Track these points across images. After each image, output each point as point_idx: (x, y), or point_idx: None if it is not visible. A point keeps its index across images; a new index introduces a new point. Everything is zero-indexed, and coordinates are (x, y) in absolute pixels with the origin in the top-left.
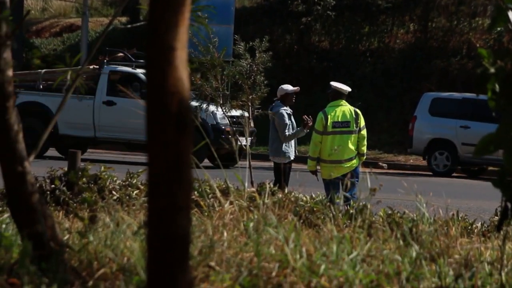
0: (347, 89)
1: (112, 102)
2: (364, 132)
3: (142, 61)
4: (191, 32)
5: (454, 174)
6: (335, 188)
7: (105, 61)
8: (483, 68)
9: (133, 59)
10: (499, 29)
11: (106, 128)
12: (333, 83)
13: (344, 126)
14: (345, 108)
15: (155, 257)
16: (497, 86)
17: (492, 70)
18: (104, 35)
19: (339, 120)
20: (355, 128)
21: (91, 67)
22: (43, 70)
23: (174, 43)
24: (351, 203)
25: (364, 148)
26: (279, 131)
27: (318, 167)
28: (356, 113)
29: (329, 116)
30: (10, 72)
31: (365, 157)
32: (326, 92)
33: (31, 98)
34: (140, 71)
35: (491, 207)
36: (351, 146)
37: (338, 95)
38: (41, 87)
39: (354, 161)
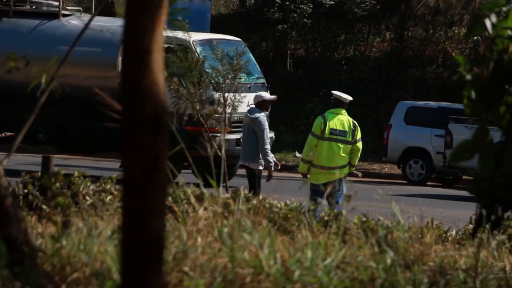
0: (348, 98)
1: None
2: (359, 144)
3: None
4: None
5: (429, 183)
6: (319, 194)
7: None
8: (460, 75)
9: None
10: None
11: None
12: (335, 92)
13: (341, 135)
14: (344, 118)
15: (129, 259)
16: (473, 93)
17: (469, 77)
18: (80, 39)
19: (337, 128)
20: (351, 139)
21: None
22: None
23: (150, 46)
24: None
25: (357, 160)
26: (259, 136)
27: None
28: (354, 125)
29: (328, 122)
30: None
31: (354, 168)
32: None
33: None
34: None
35: (465, 215)
36: (344, 155)
37: (339, 103)
38: None
39: (345, 169)
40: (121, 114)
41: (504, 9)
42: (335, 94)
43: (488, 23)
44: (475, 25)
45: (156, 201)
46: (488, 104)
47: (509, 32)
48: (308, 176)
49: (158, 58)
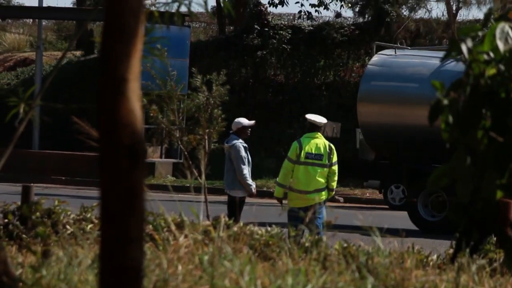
0: (322, 121)
1: None
2: (335, 167)
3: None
4: (149, 64)
5: None
6: (298, 220)
7: None
8: (437, 99)
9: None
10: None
11: None
12: (308, 116)
13: (317, 159)
14: (320, 141)
15: None
16: (450, 117)
17: (445, 102)
18: (57, 69)
19: (313, 152)
20: (327, 162)
21: None
22: None
23: (126, 74)
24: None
25: (334, 184)
26: (235, 163)
27: (285, 201)
28: (330, 148)
29: (303, 147)
30: None
31: (334, 192)
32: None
33: None
34: None
35: (448, 240)
36: (320, 179)
37: (313, 127)
38: None
39: (323, 193)
40: (97, 142)
41: (480, 33)
42: (308, 119)
43: (464, 48)
44: (451, 50)
45: (134, 229)
46: (465, 128)
47: (485, 56)
48: (285, 201)
49: (134, 86)
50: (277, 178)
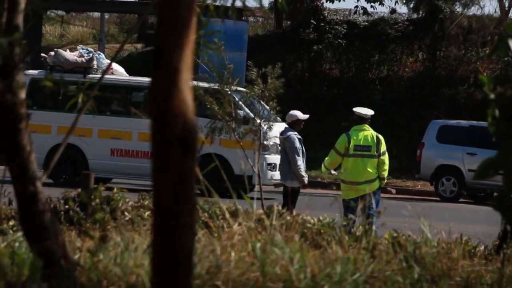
0: (369, 112)
1: None
2: (384, 157)
3: None
4: (206, 58)
5: (461, 200)
6: (351, 211)
7: None
8: (484, 94)
9: None
10: (506, 59)
11: None
12: (355, 109)
13: (365, 150)
14: (368, 133)
15: (159, 275)
16: (497, 111)
17: (492, 96)
18: (115, 59)
19: (361, 143)
20: (375, 153)
21: None
22: None
23: (178, 65)
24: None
25: (385, 173)
26: (289, 155)
27: (334, 171)
28: (378, 138)
29: (352, 139)
30: (22, 94)
31: (385, 181)
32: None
33: None
34: None
35: (496, 232)
36: (371, 170)
37: (361, 119)
38: None
39: (374, 183)
40: (150, 132)
41: None
42: (356, 111)
43: (511, 43)
44: (499, 45)
45: (185, 217)
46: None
47: None
48: (334, 172)
49: (186, 78)
50: (332, 170)
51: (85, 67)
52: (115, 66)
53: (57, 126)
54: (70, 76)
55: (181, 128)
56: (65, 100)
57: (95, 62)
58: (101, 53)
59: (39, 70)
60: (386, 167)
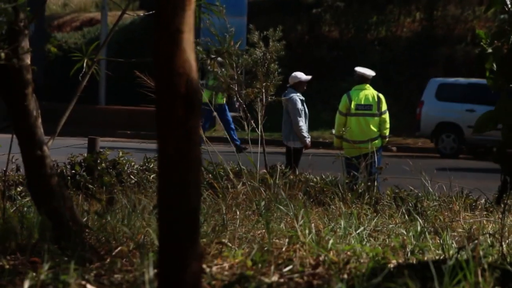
0: (371, 73)
1: None
2: (385, 116)
3: None
4: (208, 22)
5: (461, 156)
6: (352, 168)
7: None
8: (481, 48)
9: None
10: (502, 16)
11: None
12: (357, 68)
13: (366, 109)
14: (369, 92)
15: (166, 230)
16: (494, 65)
17: (489, 50)
18: (116, 26)
19: (362, 103)
20: (377, 111)
21: None
22: None
23: (180, 26)
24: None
25: (387, 131)
26: (291, 116)
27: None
28: (378, 97)
29: (353, 99)
30: (28, 60)
31: (387, 139)
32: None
33: None
34: None
35: (497, 186)
36: (373, 128)
37: (363, 79)
38: None
39: (376, 141)
40: (154, 92)
41: None
42: (358, 71)
43: None
44: (495, 1)
45: (190, 174)
46: (509, 75)
47: None
48: (342, 151)
49: (189, 38)
50: (332, 130)
51: None
52: None
53: None
54: None
55: (185, 87)
56: None
57: None
58: None
59: None
60: (388, 125)
